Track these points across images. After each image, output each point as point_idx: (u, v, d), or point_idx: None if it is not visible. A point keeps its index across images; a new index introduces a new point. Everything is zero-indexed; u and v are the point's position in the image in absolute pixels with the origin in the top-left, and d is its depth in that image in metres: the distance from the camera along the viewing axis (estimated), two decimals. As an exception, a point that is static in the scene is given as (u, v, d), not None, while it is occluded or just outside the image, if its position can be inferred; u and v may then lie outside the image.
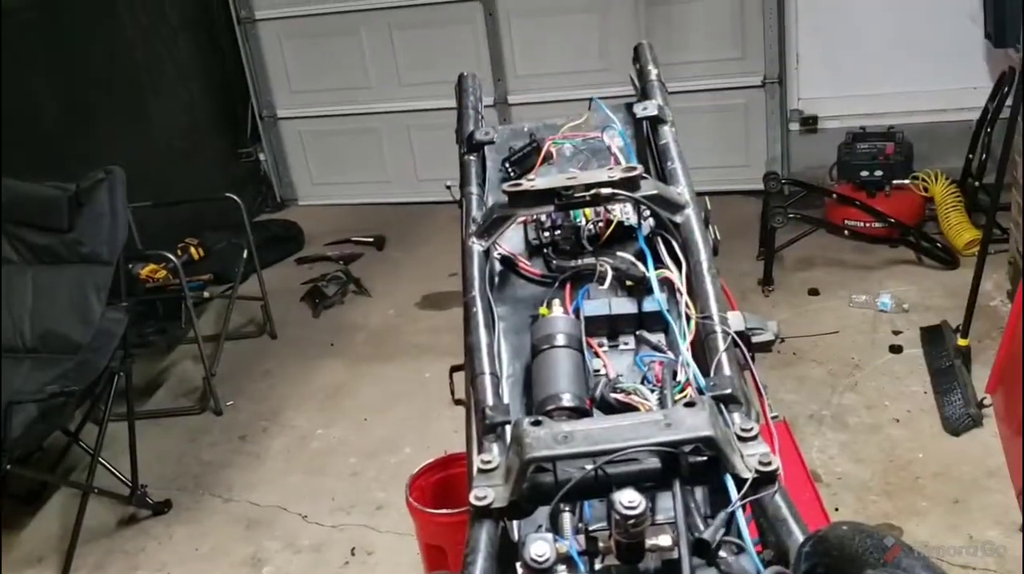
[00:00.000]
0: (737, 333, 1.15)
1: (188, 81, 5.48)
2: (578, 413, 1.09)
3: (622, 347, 1.23)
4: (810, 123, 4.97)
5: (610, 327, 1.25)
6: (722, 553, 0.87)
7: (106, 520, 3.22)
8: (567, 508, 0.96)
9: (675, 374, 1.13)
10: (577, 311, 1.26)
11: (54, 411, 2.90)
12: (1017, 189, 3.63)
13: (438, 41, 5.41)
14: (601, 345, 1.23)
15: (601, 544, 0.93)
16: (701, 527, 0.91)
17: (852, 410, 3.25)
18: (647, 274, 1.29)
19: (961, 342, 3.32)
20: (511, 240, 1.46)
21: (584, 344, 1.21)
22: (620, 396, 1.11)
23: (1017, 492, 2.71)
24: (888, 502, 2.80)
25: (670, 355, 1.17)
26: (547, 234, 1.42)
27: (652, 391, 1.10)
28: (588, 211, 1.39)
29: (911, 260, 4.22)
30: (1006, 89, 4.08)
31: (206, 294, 4.28)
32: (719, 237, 1.35)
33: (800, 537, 0.82)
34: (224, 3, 5.66)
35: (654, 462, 0.93)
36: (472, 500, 0.90)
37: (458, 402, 1.38)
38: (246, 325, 4.51)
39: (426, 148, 5.61)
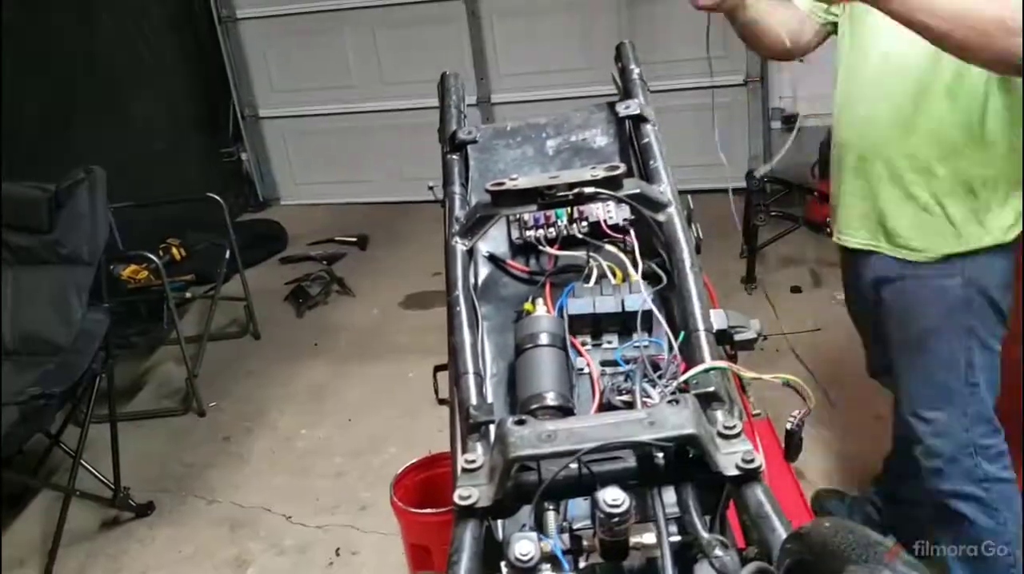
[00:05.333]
0: (720, 331, 1.16)
1: (169, 80, 5.45)
2: (562, 412, 1.09)
3: (605, 346, 1.23)
4: (791, 121, 5.00)
5: (594, 325, 1.25)
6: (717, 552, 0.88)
7: (88, 523, 3.20)
8: (551, 507, 0.97)
9: (656, 368, 1.13)
10: (562, 310, 1.26)
11: (35, 413, 2.88)
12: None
13: (421, 40, 5.41)
14: (584, 344, 1.23)
15: (585, 542, 0.93)
16: (698, 525, 0.92)
17: (836, 407, 3.27)
18: (632, 273, 1.30)
19: (942, 339, 3.34)
20: (495, 239, 1.46)
21: (568, 343, 1.21)
22: (626, 397, 1.11)
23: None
24: (870, 498, 2.81)
25: (654, 348, 1.18)
26: (530, 232, 1.42)
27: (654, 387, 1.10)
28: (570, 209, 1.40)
29: (892, 257, 4.24)
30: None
31: (188, 295, 4.27)
32: (701, 235, 1.36)
33: (783, 534, 0.83)
34: (206, 2, 5.63)
35: (637, 460, 0.94)
36: (456, 499, 0.90)
37: (442, 402, 1.37)
38: (229, 325, 4.49)
39: (409, 147, 5.60)
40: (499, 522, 0.99)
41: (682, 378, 1.06)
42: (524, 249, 1.45)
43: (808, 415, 1.13)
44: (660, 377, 1.11)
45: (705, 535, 0.90)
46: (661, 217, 1.29)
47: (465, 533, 0.88)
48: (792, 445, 1.18)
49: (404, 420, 3.52)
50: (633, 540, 0.90)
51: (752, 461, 0.89)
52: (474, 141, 1.56)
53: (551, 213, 1.40)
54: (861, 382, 3.41)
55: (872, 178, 1.97)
